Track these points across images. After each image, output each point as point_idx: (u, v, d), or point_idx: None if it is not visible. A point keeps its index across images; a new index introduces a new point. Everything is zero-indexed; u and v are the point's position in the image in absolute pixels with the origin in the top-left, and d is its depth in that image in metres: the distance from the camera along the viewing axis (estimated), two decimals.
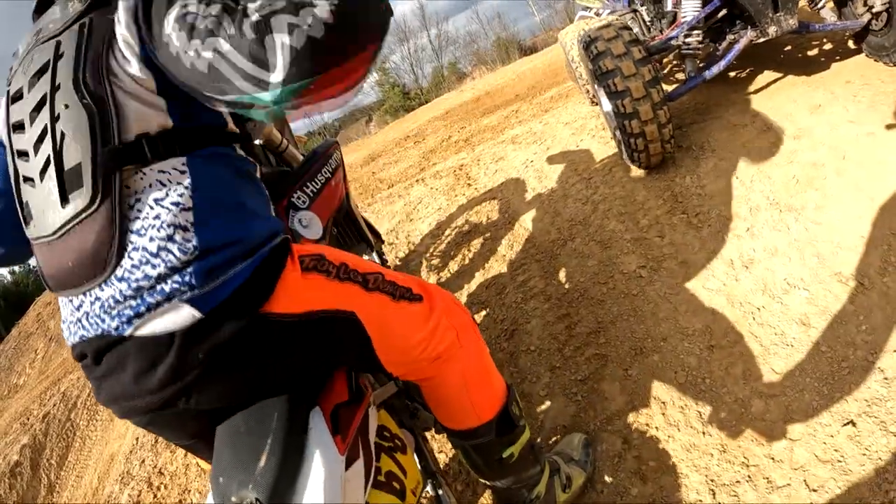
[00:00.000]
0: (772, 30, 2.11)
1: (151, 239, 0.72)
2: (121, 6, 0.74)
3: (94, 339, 0.75)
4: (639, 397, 1.52)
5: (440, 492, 1.18)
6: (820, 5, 2.26)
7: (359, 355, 0.93)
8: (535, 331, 1.94)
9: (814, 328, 1.45)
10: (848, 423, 1.23)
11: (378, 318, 0.91)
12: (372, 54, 0.65)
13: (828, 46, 2.58)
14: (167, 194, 0.74)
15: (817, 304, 1.50)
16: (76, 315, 0.77)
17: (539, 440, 1.55)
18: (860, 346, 1.36)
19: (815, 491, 1.16)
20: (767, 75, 2.60)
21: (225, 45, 0.62)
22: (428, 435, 1.39)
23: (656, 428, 1.43)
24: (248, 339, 0.75)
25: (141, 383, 0.74)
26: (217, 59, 0.63)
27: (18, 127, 0.79)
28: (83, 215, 0.73)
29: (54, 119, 0.75)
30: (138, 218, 0.73)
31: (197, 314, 0.72)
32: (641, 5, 2.90)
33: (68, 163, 0.74)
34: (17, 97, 0.81)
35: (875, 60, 2.20)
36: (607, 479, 1.38)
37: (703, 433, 1.37)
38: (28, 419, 3.61)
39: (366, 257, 1.66)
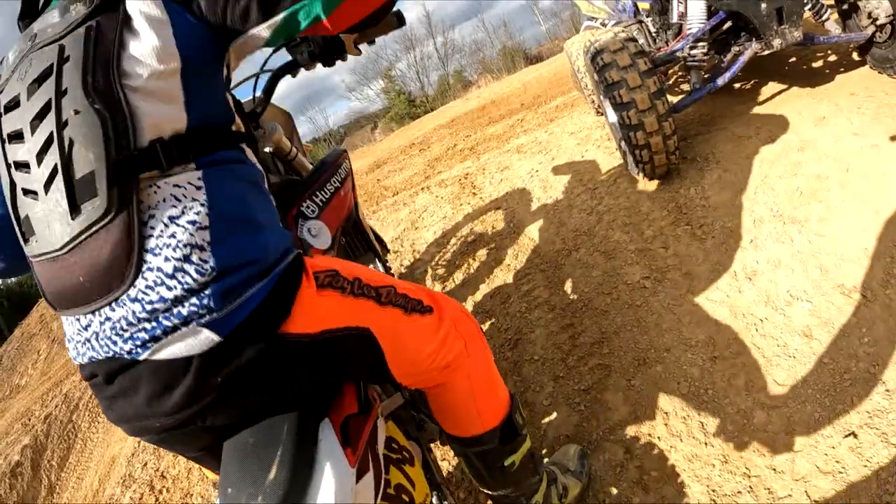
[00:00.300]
0: (776, 42, 2.12)
1: (167, 259, 0.69)
2: None
3: (104, 361, 0.72)
4: (642, 407, 1.53)
5: (445, 503, 1.18)
6: (824, 18, 2.27)
7: (370, 368, 0.92)
8: (538, 340, 1.95)
9: (816, 340, 1.46)
10: (849, 435, 1.23)
11: (391, 332, 0.90)
12: None
13: (832, 58, 2.60)
14: (183, 212, 0.72)
15: (820, 316, 1.50)
16: (83, 335, 0.73)
17: (544, 450, 1.56)
18: (862, 357, 1.36)
19: (816, 502, 1.16)
20: (772, 87, 2.61)
21: None
22: (432, 445, 1.40)
23: (659, 438, 1.44)
24: (267, 362, 0.73)
25: (154, 406, 0.72)
26: None
27: (15, 137, 0.74)
28: (97, 227, 0.69)
29: (61, 126, 0.70)
30: (152, 236, 0.70)
31: (216, 338, 0.69)
32: (647, 16, 2.92)
33: (79, 171, 0.69)
34: (11, 106, 0.76)
35: (879, 72, 2.21)
36: (609, 488, 1.38)
37: (706, 444, 1.38)
38: (30, 420, 3.61)
39: (371, 266, 1.67)
